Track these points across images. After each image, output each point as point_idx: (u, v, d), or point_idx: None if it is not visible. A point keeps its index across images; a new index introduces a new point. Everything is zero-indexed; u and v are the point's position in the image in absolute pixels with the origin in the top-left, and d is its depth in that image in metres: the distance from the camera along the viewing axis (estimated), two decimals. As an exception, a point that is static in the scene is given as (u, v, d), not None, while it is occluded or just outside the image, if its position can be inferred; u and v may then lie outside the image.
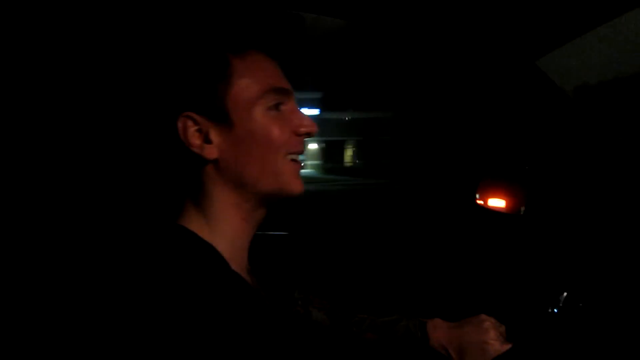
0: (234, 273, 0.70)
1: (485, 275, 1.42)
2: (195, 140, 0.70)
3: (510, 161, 1.39)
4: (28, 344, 0.96)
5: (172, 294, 0.60)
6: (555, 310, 0.90)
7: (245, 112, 0.70)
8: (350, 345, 0.94)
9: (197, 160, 0.71)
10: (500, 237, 1.43)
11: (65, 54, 1.06)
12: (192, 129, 0.70)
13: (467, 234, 1.65)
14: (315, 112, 20.11)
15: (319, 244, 1.74)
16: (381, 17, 1.10)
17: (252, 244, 0.78)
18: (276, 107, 0.73)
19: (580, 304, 0.90)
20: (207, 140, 0.70)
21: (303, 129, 0.75)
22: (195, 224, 0.71)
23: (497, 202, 1.27)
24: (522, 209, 1.20)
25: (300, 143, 0.75)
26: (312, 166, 25.76)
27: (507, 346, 0.84)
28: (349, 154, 26.47)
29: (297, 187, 0.75)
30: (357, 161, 25.18)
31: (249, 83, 0.71)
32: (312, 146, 26.43)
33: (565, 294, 0.91)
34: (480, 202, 1.32)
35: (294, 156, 0.75)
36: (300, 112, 0.76)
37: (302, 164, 0.78)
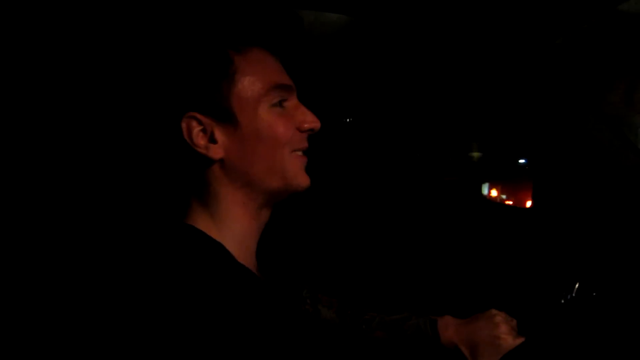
0: (245, 270, 0.69)
1: (494, 270, 1.41)
2: (200, 140, 0.69)
3: (516, 156, 1.38)
4: (35, 339, 0.96)
5: (184, 290, 0.60)
6: (569, 299, 0.89)
7: (250, 110, 0.70)
8: (359, 344, 0.94)
9: (202, 160, 0.70)
10: (509, 230, 1.42)
11: (65, 54, 1.06)
12: (196, 129, 0.69)
13: (475, 228, 1.64)
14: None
15: (327, 241, 1.73)
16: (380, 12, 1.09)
17: (259, 242, 0.77)
18: (280, 103, 0.72)
19: (594, 293, 0.89)
20: (212, 140, 0.70)
21: (307, 125, 0.74)
22: (202, 224, 0.71)
23: (505, 196, 1.27)
24: (530, 202, 1.19)
25: (304, 139, 0.75)
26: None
27: (520, 340, 0.83)
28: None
29: (304, 181, 0.74)
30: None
31: (252, 80, 0.70)
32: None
33: (578, 284, 0.90)
34: (489, 196, 1.32)
35: (299, 152, 0.74)
36: (304, 108, 0.75)
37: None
